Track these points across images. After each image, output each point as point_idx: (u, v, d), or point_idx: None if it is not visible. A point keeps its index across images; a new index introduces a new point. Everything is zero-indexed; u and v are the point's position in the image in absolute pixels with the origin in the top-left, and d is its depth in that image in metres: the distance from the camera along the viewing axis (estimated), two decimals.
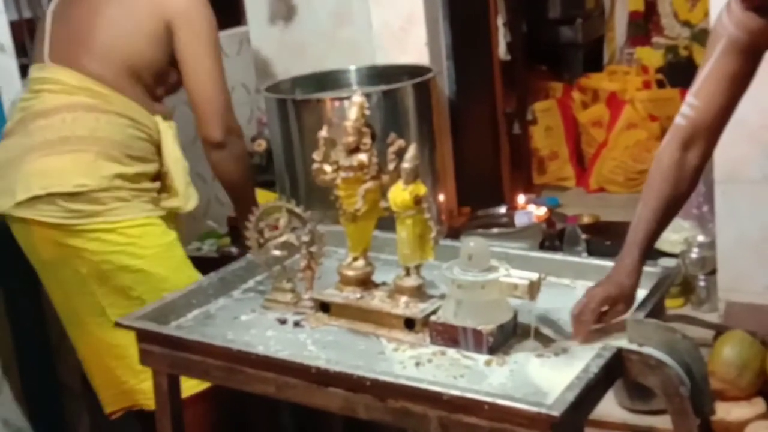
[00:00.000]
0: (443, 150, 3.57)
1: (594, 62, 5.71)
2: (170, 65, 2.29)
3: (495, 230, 3.67)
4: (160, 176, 2.30)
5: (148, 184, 2.25)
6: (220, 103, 2.25)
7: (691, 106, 1.68)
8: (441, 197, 3.45)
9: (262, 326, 1.84)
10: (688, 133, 1.68)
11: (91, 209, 2.14)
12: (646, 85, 5.05)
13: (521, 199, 4.15)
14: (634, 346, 1.53)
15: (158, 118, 2.28)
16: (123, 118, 2.20)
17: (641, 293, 1.76)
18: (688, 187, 1.71)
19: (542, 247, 3.61)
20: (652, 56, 5.30)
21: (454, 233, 3.54)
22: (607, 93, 5.09)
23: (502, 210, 3.97)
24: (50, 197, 2.12)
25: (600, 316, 1.62)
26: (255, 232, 1.94)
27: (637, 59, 5.42)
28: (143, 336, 1.82)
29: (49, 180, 2.13)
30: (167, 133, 2.30)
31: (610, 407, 2.62)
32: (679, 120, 1.70)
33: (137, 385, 2.22)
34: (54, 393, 2.55)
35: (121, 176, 2.17)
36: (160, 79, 2.31)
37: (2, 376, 2.45)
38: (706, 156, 1.72)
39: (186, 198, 2.31)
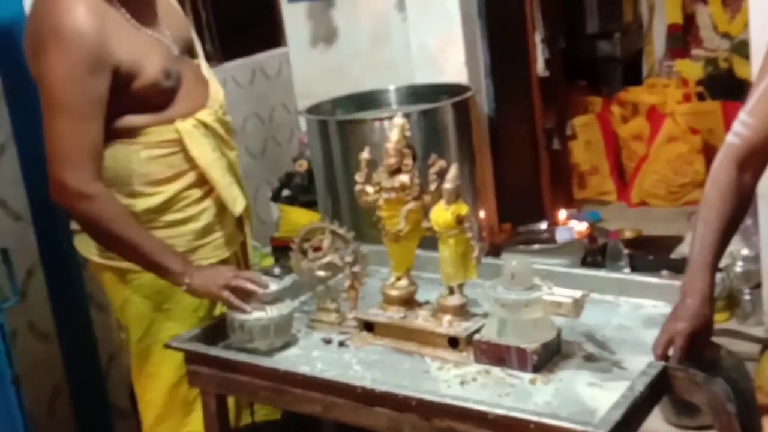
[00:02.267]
0: (483, 167, 3.59)
1: (633, 76, 5.68)
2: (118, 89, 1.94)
3: (536, 246, 3.68)
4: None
5: (192, 195, 2.06)
6: (51, 159, 1.92)
7: (744, 124, 1.61)
8: (482, 214, 3.46)
9: (308, 346, 1.87)
10: (743, 153, 1.61)
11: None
12: (687, 98, 5.02)
13: (562, 214, 4.15)
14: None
15: (179, 123, 2.02)
16: (132, 144, 1.99)
17: None
18: (746, 206, 1.65)
19: (584, 262, 3.60)
20: (691, 69, 5.27)
21: (496, 250, 3.55)
22: (647, 106, 5.06)
23: (543, 226, 3.97)
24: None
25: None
26: (299, 253, 1.97)
27: (676, 72, 5.39)
28: (191, 357, 1.85)
29: None
30: (192, 135, 2.04)
31: (656, 423, 2.60)
32: (731, 138, 1.63)
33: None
34: (104, 412, 2.59)
35: (148, 210, 2.01)
36: (136, 98, 1.97)
37: (53, 397, 2.50)
38: (760, 176, 1.66)
39: (231, 200, 2.11)
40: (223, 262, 2.13)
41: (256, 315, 1.84)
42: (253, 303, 1.85)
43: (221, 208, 2.12)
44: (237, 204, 2.13)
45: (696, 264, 1.59)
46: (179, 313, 2.07)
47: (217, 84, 2.18)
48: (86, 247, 2.09)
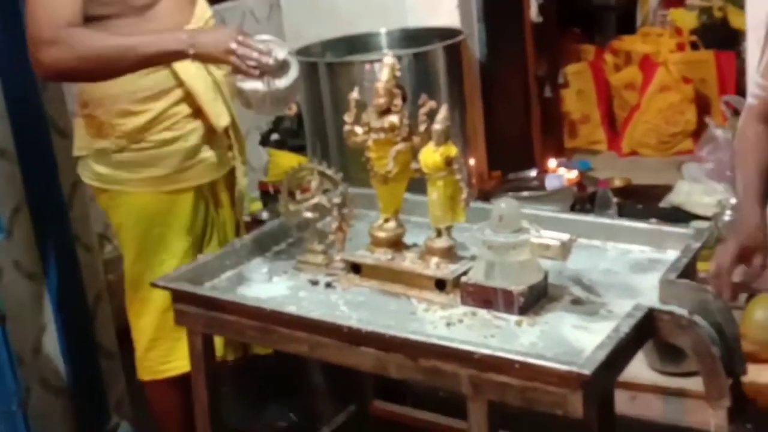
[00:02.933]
0: (474, 113, 3.57)
1: (627, 24, 5.63)
2: None
3: (526, 193, 3.67)
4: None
5: (180, 113, 2.11)
6: (29, 28, 1.95)
7: (760, 86, 1.74)
8: (472, 161, 3.45)
9: (295, 287, 1.86)
10: (764, 110, 1.75)
11: (111, 174, 2.12)
12: (680, 48, 4.98)
13: (552, 162, 4.14)
14: (665, 307, 1.53)
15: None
16: None
17: (673, 254, 1.76)
18: None
19: (573, 210, 3.60)
20: (686, 18, 5.21)
21: (485, 196, 3.54)
22: (640, 55, 5.02)
23: (533, 173, 3.97)
24: (83, 159, 2.17)
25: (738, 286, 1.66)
26: (286, 194, 1.96)
27: (670, 21, 5.33)
28: (178, 296, 1.85)
29: (77, 142, 2.18)
30: None
31: (640, 369, 2.62)
32: (750, 101, 1.77)
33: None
34: (91, 353, 2.60)
35: (136, 129, 2.07)
36: (93, 5, 1.99)
37: (40, 335, 2.50)
38: None
39: (215, 115, 2.15)
40: (213, 183, 2.21)
41: (251, 85, 1.92)
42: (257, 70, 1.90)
43: (210, 128, 2.16)
44: (221, 119, 2.17)
45: (743, 202, 1.72)
46: (170, 237, 2.14)
47: (205, 4, 2.21)
48: (85, 171, 2.16)
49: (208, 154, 2.17)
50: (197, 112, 2.14)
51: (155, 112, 2.08)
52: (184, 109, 2.12)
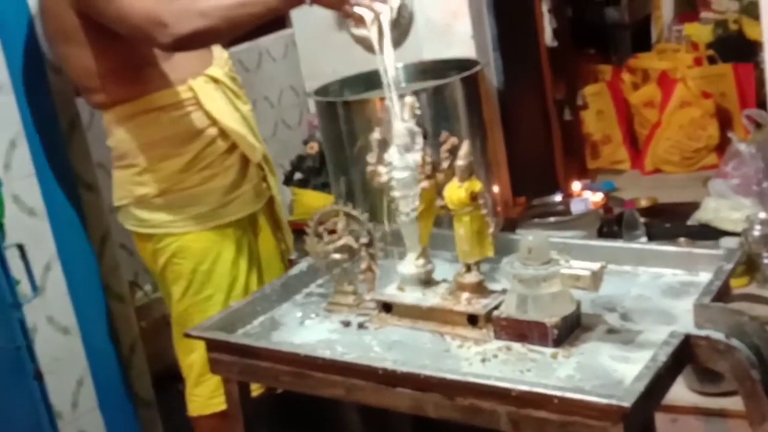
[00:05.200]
0: (495, 141, 3.57)
1: (642, 42, 5.64)
2: (105, 39, 2.06)
3: (552, 219, 3.67)
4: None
5: (217, 151, 2.20)
6: (142, 10, 1.95)
7: None
8: (495, 189, 3.44)
9: (327, 330, 1.86)
10: None
11: (154, 218, 2.20)
12: (697, 62, 4.97)
13: (576, 185, 4.13)
14: (701, 332, 1.52)
15: (191, 82, 2.16)
16: (152, 112, 2.14)
17: (705, 276, 1.75)
18: None
19: (600, 233, 3.59)
20: (701, 32, 5.22)
21: (511, 224, 3.54)
22: (657, 72, 5.02)
23: (558, 198, 3.96)
24: (124, 207, 2.25)
25: None
26: (314, 237, 1.97)
27: (686, 36, 5.33)
28: (212, 345, 1.85)
29: (117, 192, 2.26)
30: (203, 90, 2.18)
31: (680, 391, 2.60)
32: None
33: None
34: (128, 403, 2.61)
35: (178, 170, 2.16)
36: (121, 55, 2.09)
37: (77, 389, 2.51)
38: None
39: (249, 149, 2.25)
40: (252, 216, 2.30)
41: (361, 32, 2.10)
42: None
43: (244, 163, 2.26)
44: (255, 153, 2.26)
45: None
46: (216, 272, 2.21)
47: (221, 48, 2.29)
48: (128, 219, 2.24)
49: (245, 187, 2.26)
50: (231, 149, 2.23)
51: (193, 153, 2.17)
52: (220, 146, 2.21)
